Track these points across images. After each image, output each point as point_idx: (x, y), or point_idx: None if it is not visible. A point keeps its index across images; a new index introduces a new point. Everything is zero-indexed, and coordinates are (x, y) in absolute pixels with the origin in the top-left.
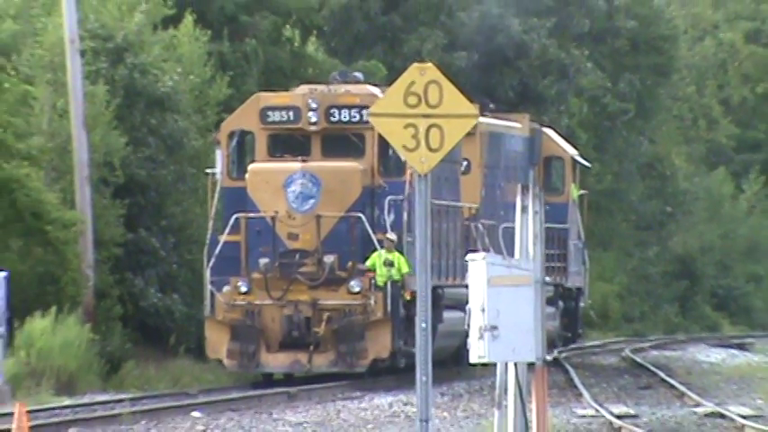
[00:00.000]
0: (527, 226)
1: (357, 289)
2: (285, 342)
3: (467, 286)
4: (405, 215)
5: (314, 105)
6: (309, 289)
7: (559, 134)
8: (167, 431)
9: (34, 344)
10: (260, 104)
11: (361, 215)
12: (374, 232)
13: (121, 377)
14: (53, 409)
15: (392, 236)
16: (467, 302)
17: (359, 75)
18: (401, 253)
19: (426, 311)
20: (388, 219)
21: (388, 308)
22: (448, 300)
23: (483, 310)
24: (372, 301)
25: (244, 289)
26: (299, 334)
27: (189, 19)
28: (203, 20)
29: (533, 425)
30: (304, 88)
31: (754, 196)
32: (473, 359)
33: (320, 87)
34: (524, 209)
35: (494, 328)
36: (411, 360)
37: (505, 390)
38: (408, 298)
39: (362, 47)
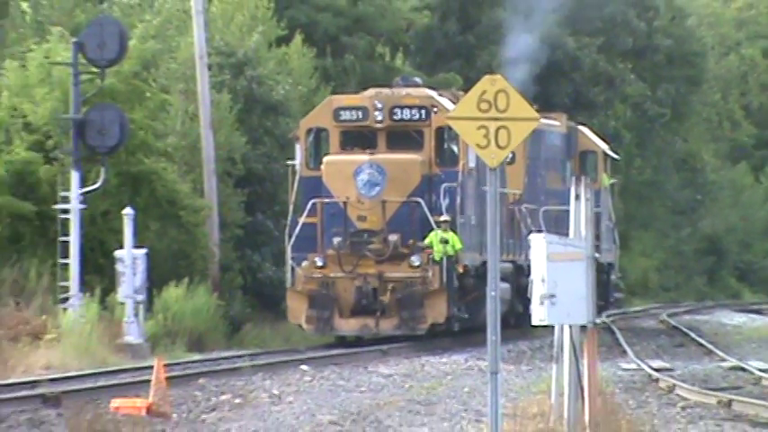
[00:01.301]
0: (580, 211)
1: (417, 263)
2: (355, 309)
3: (512, 261)
4: (458, 200)
5: (379, 105)
6: (376, 263)
7: (593, 131)
8: (280, 381)
9: (170, 309)
10: (333, 105)
11: (420, 200)
12: (431, 214)
13: (242, 336)
14: (185, 363)
15: (447, 217)
16: (511, 275)
17: (418, 79)
18: (455, 232)
19: (496, 282)
20: (444, 203)
21: (444, 279)
22: None
23: (543, 281)
24: (430, 274)
25: (320, 263)
26: (367, 302)
27: (298, 39)
28: (310, 39)
29: (585, 377)
30: (371, 91)
31: None
32: (535, 322)
33: (385, 90)
34: (578, 197)
35: (552, 296)
36: (464, 324)
37: (562, 347)
38: (461, 271)
39: (443, 61)
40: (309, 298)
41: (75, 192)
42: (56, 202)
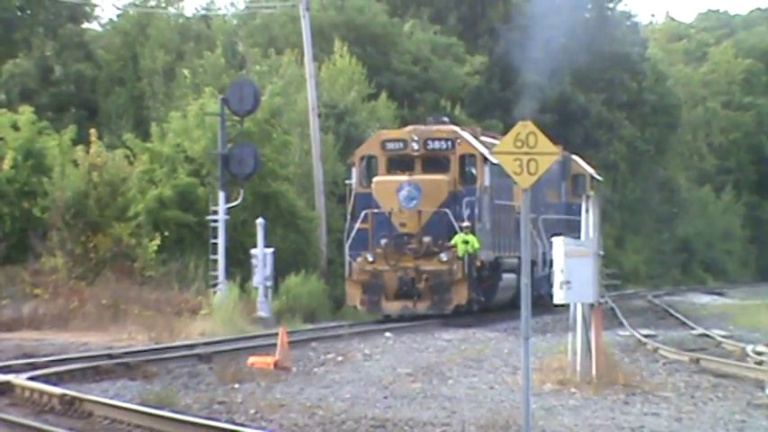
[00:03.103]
0: (589, 221)
1: (445, 259)
2: (398, 294)
3: (518, 257)
4: (476, 210)
5: (416, 138)
6: (414, 259)
7: (584, 159)
8: (370, 344)
9: (290, 292)
10: (381, 138)
11: (447, 210)
12: (456, 221)
13: (343, 312)
14: (302, 331)
15: (468, 224)
16: (518, 267)
17: (446, 118)
18: (474, 235)
19: (527, 273)
20: (465, 213)
21: (466, 271)
22: (505, 266)
23: (562, 271)
24: (455, 267)
25: (370, 259)
26: (407, 288)
27: (383, 95)
28: (392, 96)
29: (593, 341)
30: (410, 127)
31: (727, 203)
32: (556, 301)
33: (420, 126)
34: (587, 210)
35: (568, 282)
36: (480, 305)
37: (575, 320)
38: (478, 265)
39: (488, 111)
40: (363, 285)
41: (221, 207)
42: (208, 214)
